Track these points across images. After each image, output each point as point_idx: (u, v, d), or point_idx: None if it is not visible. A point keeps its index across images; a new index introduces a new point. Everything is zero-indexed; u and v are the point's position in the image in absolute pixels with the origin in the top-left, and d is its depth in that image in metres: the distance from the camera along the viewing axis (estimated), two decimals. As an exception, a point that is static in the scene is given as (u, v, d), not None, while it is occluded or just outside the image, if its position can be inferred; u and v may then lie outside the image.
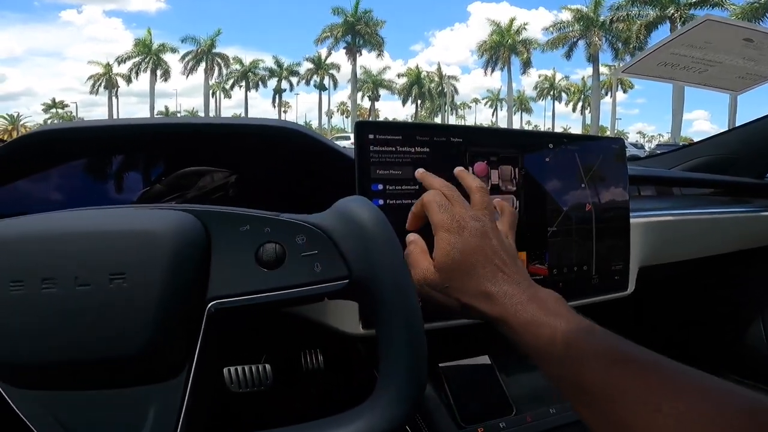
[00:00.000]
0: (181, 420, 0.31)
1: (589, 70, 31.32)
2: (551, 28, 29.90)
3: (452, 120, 47.04)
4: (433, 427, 0.61)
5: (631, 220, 0.75)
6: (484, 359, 0.69)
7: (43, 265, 0.30)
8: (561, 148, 0.67)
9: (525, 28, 33.39)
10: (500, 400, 0.66)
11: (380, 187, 0.55)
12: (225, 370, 0.73)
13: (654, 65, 0.95)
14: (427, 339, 0.35)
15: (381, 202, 0.55)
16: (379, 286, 0.34)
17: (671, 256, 0.92)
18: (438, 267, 0.43)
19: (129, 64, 36.80)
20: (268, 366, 0.80)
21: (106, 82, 39.40)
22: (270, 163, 0.68)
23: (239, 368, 0.78)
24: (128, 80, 38.01)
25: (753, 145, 1.13)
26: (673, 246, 0.91)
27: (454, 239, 0.42)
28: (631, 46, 24.09)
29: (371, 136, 0.55)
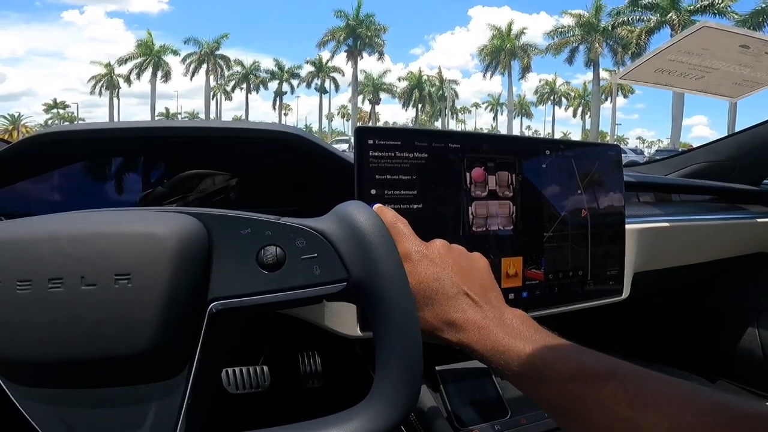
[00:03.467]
0: (181, 418, 0.32)
1: (590, 75, 31.40)
2: (552, 33, 29.98)
3: (452, 124, 47.15)
4: (429, 430, 0.62)
5: (627, 226, 0.76)
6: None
7: (51, 265, 0.30)
8: (558, 155, 0.68)
9: (524, 33, 33.49)
10: (495, 403, 0.66)
11: (379, 191, 0.55)
12: (222, 371, 0.74)
13: (651, 72, 0.95)
14: (423, 342, 0.35)
15: (379, 206, 0.55)
16: (377, 289, 0.34)
17: (666, 262, 0.93)
18: None
19: (130, 65, 36.93)
20: (265, 367, 0.80)
21: (108, 82, 39.47)
22: (270, 167, 0.69)
23: (236, 369, 0.79)
24: (128, 81, 38.09)
25: (749, 152, 1.14)
26: (669, 252, 0.91)
27: (418, 268, 0.41)
28: (631, 51, 24.15)
29: (371, 142, 0.56)
